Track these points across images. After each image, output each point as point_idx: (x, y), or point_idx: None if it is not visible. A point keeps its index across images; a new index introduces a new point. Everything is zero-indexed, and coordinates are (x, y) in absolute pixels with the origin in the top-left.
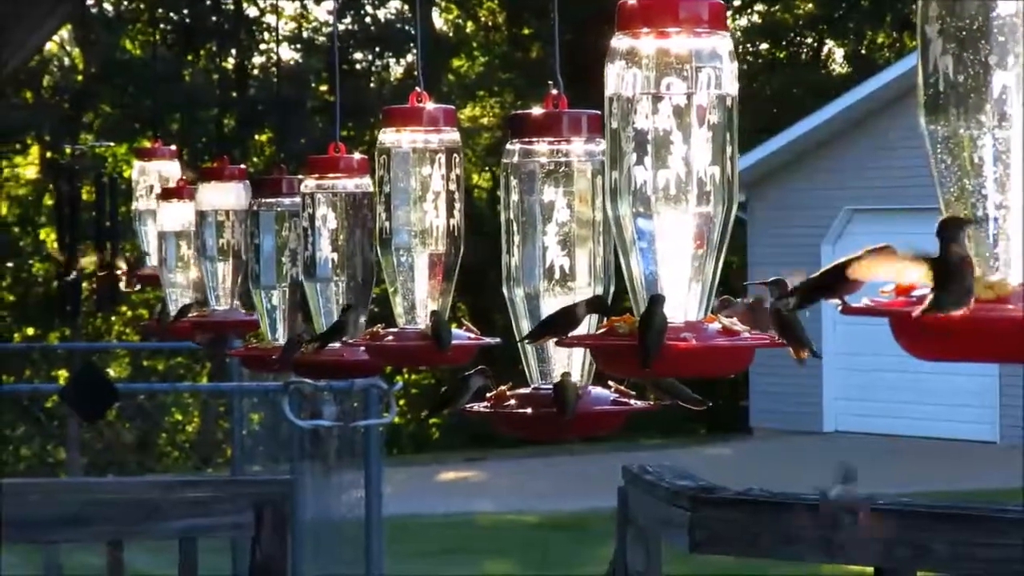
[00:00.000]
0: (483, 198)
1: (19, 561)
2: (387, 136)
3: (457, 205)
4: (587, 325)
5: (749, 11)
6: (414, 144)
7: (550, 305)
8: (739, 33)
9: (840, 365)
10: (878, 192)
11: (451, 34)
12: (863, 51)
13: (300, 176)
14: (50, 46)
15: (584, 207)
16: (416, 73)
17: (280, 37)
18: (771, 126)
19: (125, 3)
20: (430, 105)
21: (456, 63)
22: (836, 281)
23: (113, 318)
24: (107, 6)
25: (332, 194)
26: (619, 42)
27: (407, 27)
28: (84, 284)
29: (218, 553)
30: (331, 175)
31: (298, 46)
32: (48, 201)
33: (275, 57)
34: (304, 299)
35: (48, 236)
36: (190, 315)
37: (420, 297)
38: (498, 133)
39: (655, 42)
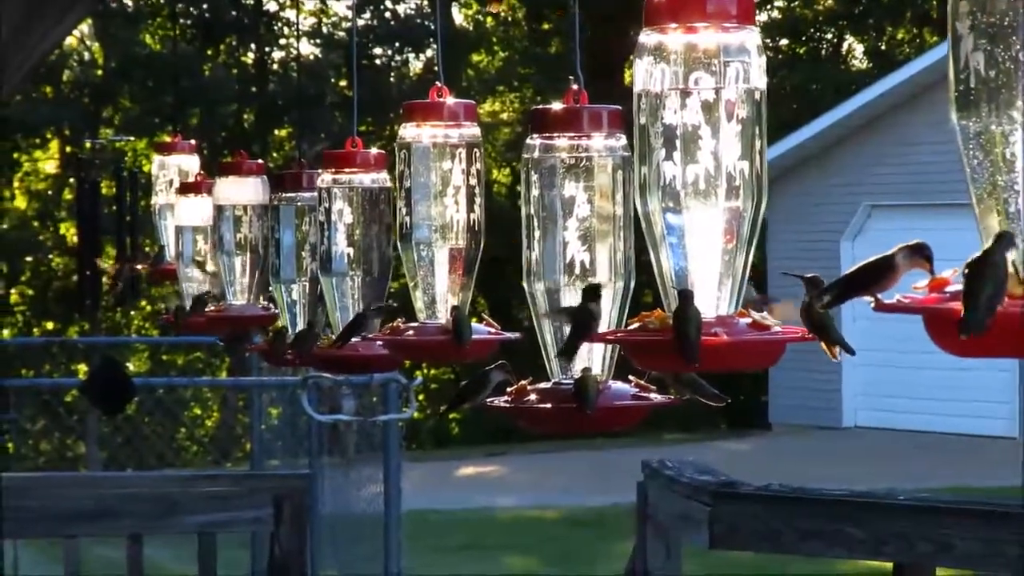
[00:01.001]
0: (503, 193)
1: (39, 557)
2: (407, 131)
3: (477, 200)
4: (608, 319)
5: (769, 7)
6: (434, 139)
7: (570, 300)
8: (759, 29)
9: (860, 361)
10: (898, 188)
11: (471, 29)
12: (883, 47)
13: (319, 171)
14: (70, 41)
15: (604, 202)
16: (436, 68)
17: (299, 32)
18: (791, 122)
19: None
20: (450, 100)
21: (475, 58)
22: (871, 278)
23: (132, 312)
24: (127, 0)
25: (348, 189)
26: (647, 38)
27: (427, 22)
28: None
29: (237, 548)
30: (347, 170)
31: (317, 41)
32: (68, 196)
33: (295, 52)
34: (322, 293)
35: (68, 231)
36: (207, 309)
37: (440, 292)
38: (518, 128)
39: (683, 37)
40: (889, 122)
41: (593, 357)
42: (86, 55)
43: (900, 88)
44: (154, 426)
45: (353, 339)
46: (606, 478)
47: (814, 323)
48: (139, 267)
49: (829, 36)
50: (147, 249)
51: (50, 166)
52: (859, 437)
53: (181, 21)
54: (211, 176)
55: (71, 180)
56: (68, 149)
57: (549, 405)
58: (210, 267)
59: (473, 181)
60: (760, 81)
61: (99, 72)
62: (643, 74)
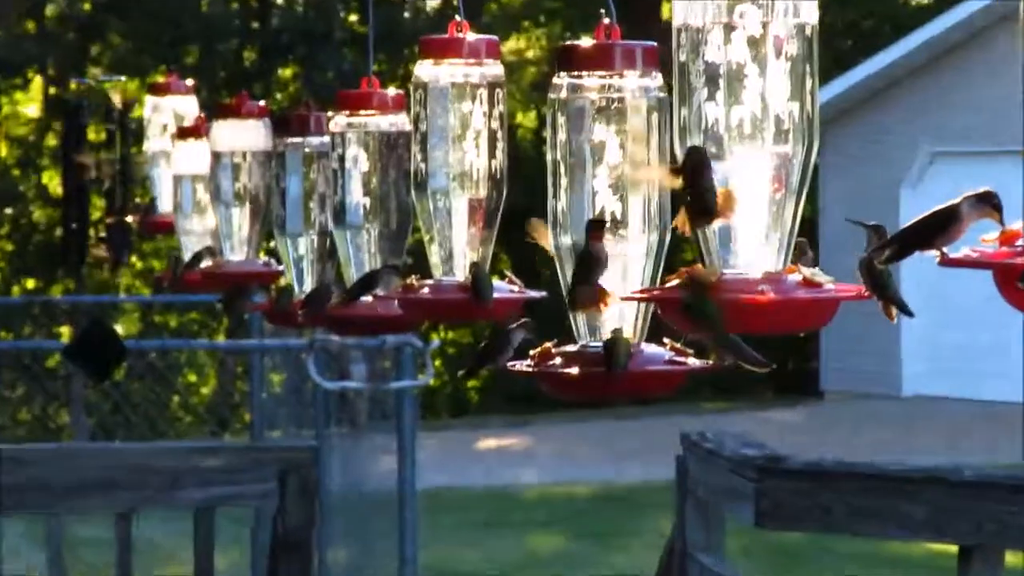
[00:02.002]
0: (528, 138)
1: (19, 541)
2: (424, 69)
3: (499, 145)
4: (642, 276)
5: None
6: (453, 78)
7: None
8: None
9: (922, 322)
10: (963, 133)
11: None
12: None
13: (329, 113)
14: None
15: (638, 147)
16: (455, 1)
17: None
18: (844, 61)
19: None
20: (471, 36)
21: None
22: (934, 230)
23: (122, 269)
24: None
25: (364, 133)
26: None
27: None
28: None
29: (235, 523)
30: (363, 112)
31: None
32: (51, 142)
33: None
34: (333, 248)
35: (51, 180)
36: (203, 265)
37: (459, 246)
38: (544, 67)
39: None
40: (954, 61)
41: (624, 317)
42: None
43: (967, 22)
44: (145, 392)
45: (364, 298)
46: (641, 450)
47: (873, 279)
48: (129, 219)
49: None
50: (138, 200)
51: (32, 109)
52: (920, 406)
53: None
54: (211, 120)
55: (55, 125)
56: (52, 91)
57: (576, 369)
58: (209, 218)
59: (495, 124)
60: (811, 15)
61: (87, 6)
62: (683, 7)
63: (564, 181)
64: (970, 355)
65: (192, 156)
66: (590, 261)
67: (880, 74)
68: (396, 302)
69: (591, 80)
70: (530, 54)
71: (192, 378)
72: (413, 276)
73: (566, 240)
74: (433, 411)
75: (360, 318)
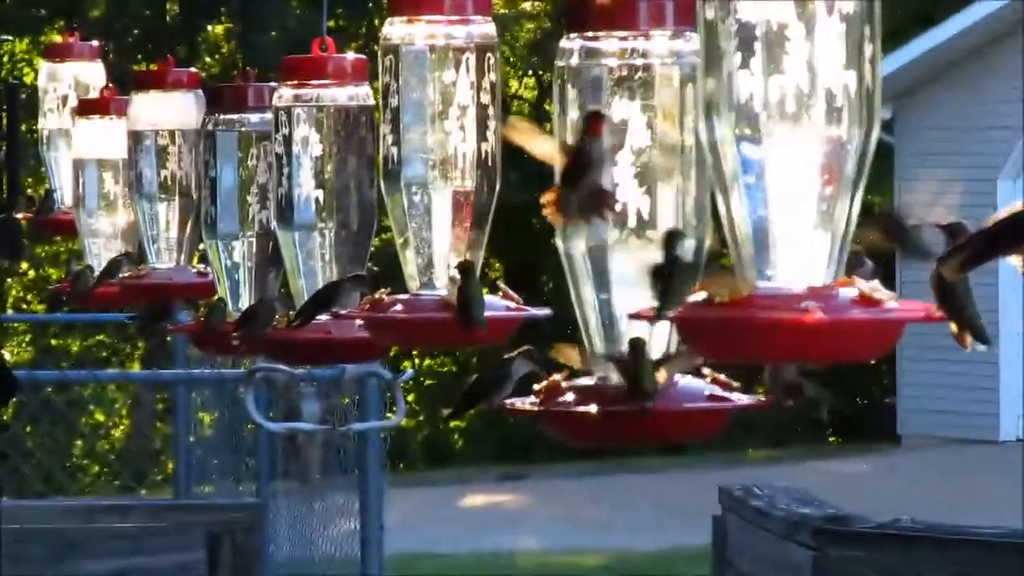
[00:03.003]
0: (526, 112)
1: None
2: (395, 29)
3: (491, 124)
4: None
5: None
6: (432, 40)
7: (622, 262)
8: None
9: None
10: None
11: None
12: None
13: (273, 84)
14: None
15: (669, 127)
16: None
17: None
18: (924, 19)
19: None
20: None
21: None
22: (1019, 233)
23: (9, 280)
24: None
25: (317, 108)
26: None
27: None
28: None
29: None
30: (315, 82)
31: None
32: None
33: None
34: (277, 253)
35: None
36: (120, 275)
37: (440, 251)
38: (546, 24)
39: None
40: None
41: (652, 340)
42: None
43: None
44: (40, 438)
45: (320, 316)
46: (666, 510)
47: (944, 295)
48: (20, 216)
49: None
50: (30, 192)
51: None
52: (1022, 454)
53: None
54: (122, 91)
55: None
56: None
57: (593, 407)
58: (123, 216)
59: (486, 98)
60: None
61: None
62: None
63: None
64: None
65: (98, 136)
66: (583, 159)
67: (967, 35)
68: (359, 322)
69: (609, 42)
70: (528, 6)
71: (100, 418)
72: (382, 289)
73: (579, 244)
74: (406, 460)
75: (312, 342)
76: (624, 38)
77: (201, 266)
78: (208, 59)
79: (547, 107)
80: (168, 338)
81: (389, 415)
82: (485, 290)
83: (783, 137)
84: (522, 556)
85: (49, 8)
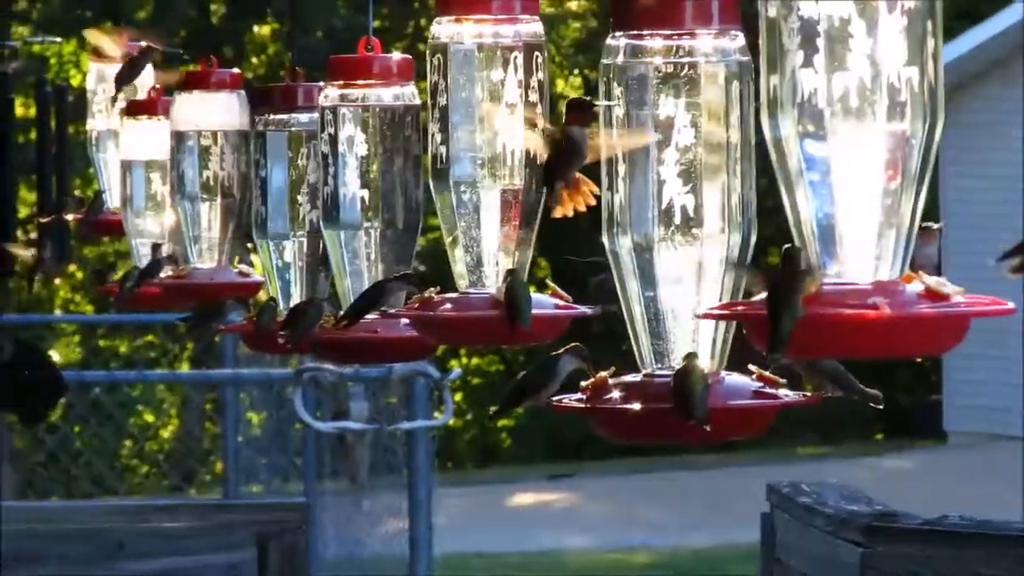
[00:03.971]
0: None
1: None
2: (443, 28)
3: (539, 123)
4: (720, 286)
5: None
6: (481, 39)
7: (668, 260)
8: None
9: None
10: None
11: None
12: None
13: (321, 84)
14: None
15: (715, 125)
16: None
17: None
18: (974, 12)
19: None
20: None
21: None
22: None
23: (58, 281)
24: None
25: (362, 108)
26: None
27: None
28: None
29: None
30: (360, 82)
31: None
32: None
33: None
34: (326, 254)
35: None
36: (163, 275)
37: (489, 250)
38: (593, 23)
39: None
40: None
41: (699, 339)
42: None
43: None
44: (89, 438)
45: (368, 316)
46: (716, 507)
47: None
48: (69, 218)
49: None
50: (79, 193)
51: None
52: None
53: None
54: (169, 92)
55: None
56: None
57: (639, 405)
58: (170, 216)
59: (534, 96)
60: None
61: None
62: None
63: (622, 168)
64: None
65: (146, 137)
66: (563, 147)
67: (1017, 28)
68: (407, 321)
69: (655, 41)
70: (574, 6)
71: (149, 418)
72: (431, 288)
73: (625, 242)
74: (454, 459)
75: (360, 342)
76: (670, 36)
77: (243, 266)
78: (255, 59)
79: None
80: (217, 338)
81: (437, 414)
82: (533, 288)
83: (847, 133)
84: (571, 555)
85: (96, 11)
